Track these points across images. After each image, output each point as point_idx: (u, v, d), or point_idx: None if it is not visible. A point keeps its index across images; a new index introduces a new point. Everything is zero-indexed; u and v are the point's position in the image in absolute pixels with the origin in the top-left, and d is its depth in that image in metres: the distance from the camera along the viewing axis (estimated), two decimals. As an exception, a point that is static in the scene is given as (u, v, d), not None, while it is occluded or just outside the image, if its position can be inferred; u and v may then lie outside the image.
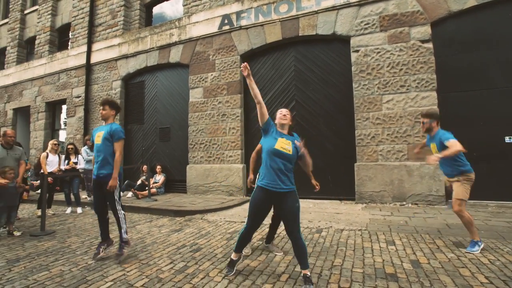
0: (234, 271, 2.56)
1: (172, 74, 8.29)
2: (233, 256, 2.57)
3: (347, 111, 6.07)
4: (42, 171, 5.42)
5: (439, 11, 5.43)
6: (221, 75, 7.26)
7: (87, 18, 9.85)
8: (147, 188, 6.94)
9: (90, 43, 9.60)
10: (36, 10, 11.75)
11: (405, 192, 5.33)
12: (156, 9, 9.55)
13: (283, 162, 2.29)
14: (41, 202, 4.61)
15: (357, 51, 5.96)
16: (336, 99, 6.29)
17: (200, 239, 3.69)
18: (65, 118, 10.28)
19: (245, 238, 2.51)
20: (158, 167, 7.74)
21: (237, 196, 6.69)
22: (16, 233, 4.16)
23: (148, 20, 9.47)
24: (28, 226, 4.74)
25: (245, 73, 2.33)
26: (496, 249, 2.96)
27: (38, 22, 11.46)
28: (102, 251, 3.11)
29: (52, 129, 10.70)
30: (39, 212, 5.40)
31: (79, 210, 5.89)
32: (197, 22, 7.68)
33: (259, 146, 3.21)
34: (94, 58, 9.50)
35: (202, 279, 2.48)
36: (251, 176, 3.23)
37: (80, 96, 9.61)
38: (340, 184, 6.00)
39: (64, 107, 10.40)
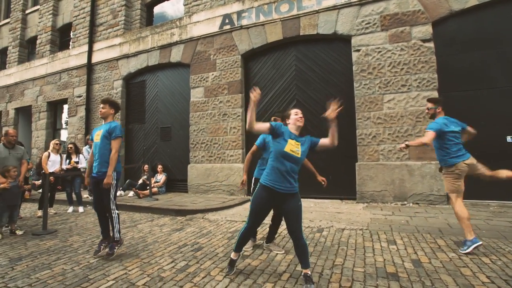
0: (234, 270, 2.57)
1: (173, 73, 8.29)
2: (233, 255, 2.57)
3: (348, 110, 6.03)
4: (43, 171, 5.44)
5: (440, 11, 5.41)
6: (222, 74, 7.27)
7: (88, 18, 9.87)
8: (148, 187, 6.97)
9: (91, 43, 9.63)
10: (37, 10, 11.78)
11: (406, 192, 5.32)
12: (157, 9, 9.56)
13: (291, 165, 2.27)
14: (43, 201, 4.63)
15: (358, 50, 5.95)
16: (337, 98, 6.26)
17: (201, 238, 3.70)
18: (66, 118, 10.31)
19: (245, 237, 2.51)
20: (159, 166, 7.76)
21: (238, 195, 6.70)
22: (19, 232, 4.18)
23: (149, 19, 9.49)
24: (30, 225, 4.76)
25: (254, 99, 2.17)
26: (497, 249, 2.95)
27: (39, 22, 11.49)
28: (102, 249, 3.13)
29: (53, 129, 10.73)
30: (39, 213, 5.43)
31: (80, 209, 5.93)
32: (198, 21, 7.69)
33: (254, 147, 3.22)
34: (95, 58, 9.52)
35: (203, 278, 2.49)
36: (244, 177, 3.23)
37: (82, 96, 9.64)
38: (341, 184, 5.99)
39: (65, 106, 10.44)
